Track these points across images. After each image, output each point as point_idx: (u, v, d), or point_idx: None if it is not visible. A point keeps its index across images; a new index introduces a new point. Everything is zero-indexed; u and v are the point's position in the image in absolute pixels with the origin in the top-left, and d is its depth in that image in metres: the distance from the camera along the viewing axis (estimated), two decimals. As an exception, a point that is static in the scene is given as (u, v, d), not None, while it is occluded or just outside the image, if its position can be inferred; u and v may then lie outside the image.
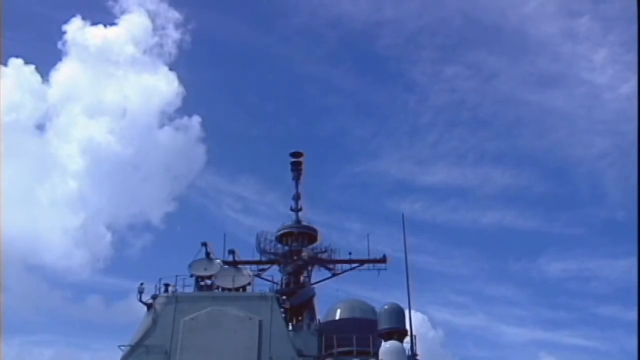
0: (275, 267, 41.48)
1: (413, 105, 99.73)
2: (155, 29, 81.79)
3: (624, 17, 71.54)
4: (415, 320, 35.25)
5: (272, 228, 42.68)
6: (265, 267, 41.28)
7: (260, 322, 32.30)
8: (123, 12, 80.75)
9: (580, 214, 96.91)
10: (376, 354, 31.89)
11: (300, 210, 42.91)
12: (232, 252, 38.03)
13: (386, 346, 31.72)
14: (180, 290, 34.30)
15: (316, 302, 40.31)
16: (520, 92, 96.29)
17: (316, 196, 75.43)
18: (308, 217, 43.15)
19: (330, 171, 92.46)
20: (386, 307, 33.72)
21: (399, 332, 32.74)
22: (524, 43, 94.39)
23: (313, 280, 41.71)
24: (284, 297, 35.68)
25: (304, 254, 40.90)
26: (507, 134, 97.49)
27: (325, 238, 42.69)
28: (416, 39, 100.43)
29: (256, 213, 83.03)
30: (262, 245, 41.21)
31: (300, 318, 38.44)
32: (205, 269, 35.69)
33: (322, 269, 41.92)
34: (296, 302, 37.95)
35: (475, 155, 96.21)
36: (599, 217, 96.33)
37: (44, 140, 76.89)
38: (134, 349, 31.98)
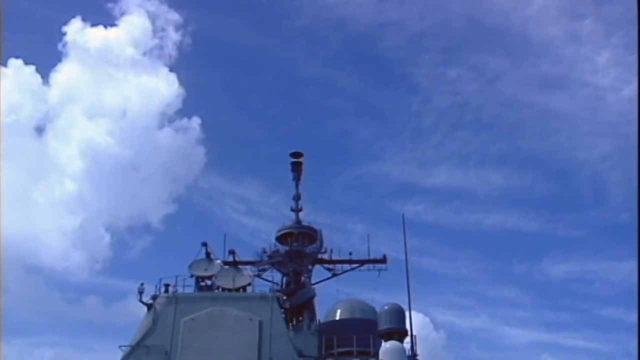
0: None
1: (416, 107, 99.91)
2: (155, 31, 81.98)
3: (626, 19, 71.73)
4: (417, 321, 35.42)
5: (275, 229, 42.83)
6: (266, 267, 41.29)
7: (260, 322, 32.27)
8: (123, 14, 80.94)
9: (583, 216, 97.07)
10: (376, 354, 31.94)
11: (300, 210, 42.95)
12: (232, 252, 38.06)
13: (386, 346, 31.77)
14: (180, 290, 34.25)
15: (316, 302, 40.41)
16: (522, 94, 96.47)
17: (319, 197, 75.72)
18: (310, 217, 43.25)
19: (333, 173, 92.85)
20: (386, 307, 33.81)
21: (398, 332, 32.82)
22: (527, 45, 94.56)
23: (313, 280, 41.79)
24: (284, 297, 35.60)
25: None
26: (509, 136, 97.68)
27: (327, 239, 42.73)
28: (419, 41, 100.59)
29: (259, 214, 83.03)
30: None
31: (300, 318, 38.43)
32: (205, 269, 35.63)
33: (322, 269, 42.06)
34: (296, 302, 37.92)
35: (478, 157, 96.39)
36: (601, 219, 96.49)
37: (44, 141, 77.06)
38: (134, 349, 31.96)
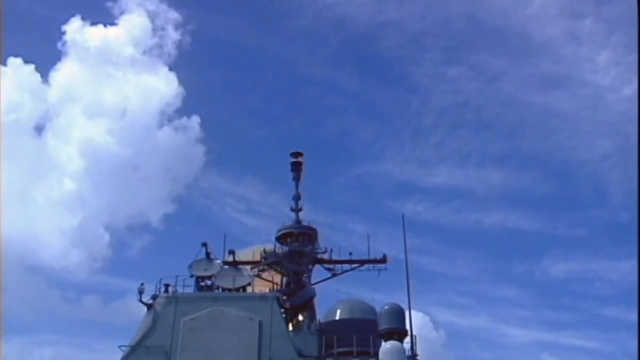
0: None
1: (416, 106, 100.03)
2: (154, 29, 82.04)
3: (626, 18, 71.84)
4: (417, 321, 35.39)
5: (276, 229, 42.77)
6: (265, 267, 41.20)
7: (260, 322, 32.28)
8: (122, 12, 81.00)
9: (583, 215, 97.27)
10: (376, 354, 31.93)
11: (300, 210, 42.86)
12: (232, 252, 38.07)
13: (386, 346, 31.76)
14: (180, 290, 34.26)
15: (316, 302, 40.36)
16: (522, 93, 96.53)
17: (319, 197, 75.87)
18: (311, 217, 43.16)
19: (333, 172, 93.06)
20: (386, 307, 33.80)
21: (398, 332, 32.82)
22: (527, 44, 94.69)
23: (313, 280, 41.74)
24: (284, 297, 35.53)
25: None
26: (509, 136, 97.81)
27: (327, 238, 42.73)
28: (419, 40, 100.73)
29: (259, 214, 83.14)
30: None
31: (300, 318, 38.39)
32: (205, 269, 35.64)
33: (322, 269, 42.02)
34: (296, 302, 37.86)
35: (478, 157, 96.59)
36: (601, 219, 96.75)
37: (43, 140, 77.10)
38: (134, 349, 31.99)
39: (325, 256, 41.66)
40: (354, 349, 33.38)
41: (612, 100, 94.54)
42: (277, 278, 40.75)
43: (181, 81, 77.97)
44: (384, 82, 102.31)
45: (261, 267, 40.51)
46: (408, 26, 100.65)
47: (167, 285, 34.19)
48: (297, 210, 42.75)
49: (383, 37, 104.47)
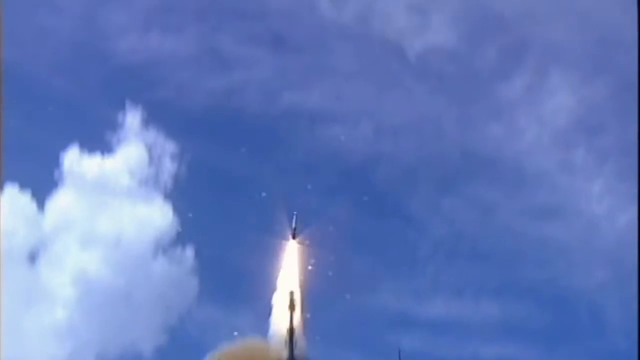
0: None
1: (411, 237, 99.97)
2: (151, 159, 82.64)
3: (617, 147, 73.12)
4: None
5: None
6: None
7: None
8: (120, 142, 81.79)
9: (582, 346, 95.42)
10: None
11: (295, 343, 42.13)
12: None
13: None
14: None
15: None
16: (518, 224, 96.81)
17: (314, 330, 74.60)
18: (305, 351, 42.34)
19: (328, 304, 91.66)
20: None
21: None
22: (521, 175, 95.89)
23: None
24: None
25: None
26: (505, 266, 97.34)
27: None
28: (414, 172, 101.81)
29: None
30: None
31: None
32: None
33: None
34: None
35: (474, 288, 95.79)
36: (600, 348, 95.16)
37: (36, 268, 76.42)
38: None
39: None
40: None
41: (607, 229, 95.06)
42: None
43: (176, 211, 77.93)
44: (379, 213, 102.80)
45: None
46: (402, 159, 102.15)
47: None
48: (291, 344, 42.07)
49: (378, 170, 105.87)
